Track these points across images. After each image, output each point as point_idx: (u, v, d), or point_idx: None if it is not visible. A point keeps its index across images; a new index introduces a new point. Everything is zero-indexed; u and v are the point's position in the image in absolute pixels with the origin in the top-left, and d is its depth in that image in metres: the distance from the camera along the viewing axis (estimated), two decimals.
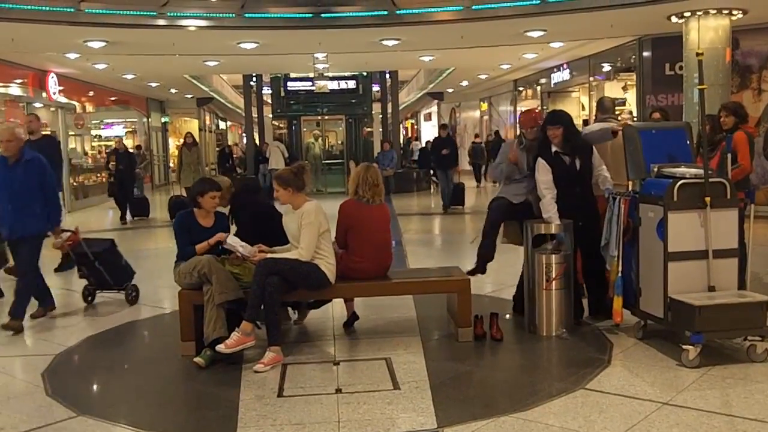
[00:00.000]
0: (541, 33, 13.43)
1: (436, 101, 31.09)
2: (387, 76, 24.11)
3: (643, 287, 5.37)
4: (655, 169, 5.31)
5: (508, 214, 6.14)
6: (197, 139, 16.81)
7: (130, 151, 17.08)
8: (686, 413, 4.12)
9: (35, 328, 6.52)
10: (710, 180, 5.10)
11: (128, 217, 15.13)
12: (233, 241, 5.38)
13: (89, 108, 21.07)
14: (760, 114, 12.72)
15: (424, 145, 26.11)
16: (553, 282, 5.65)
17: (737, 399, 4.35)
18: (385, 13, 12.27)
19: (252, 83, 24.24)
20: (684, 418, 4.05)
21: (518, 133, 6.30)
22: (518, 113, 6.21)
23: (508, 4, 11.81)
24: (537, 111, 6.14)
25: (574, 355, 5.33)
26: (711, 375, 4.72)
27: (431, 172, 22.59)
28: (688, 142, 5.64)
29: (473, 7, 12.02)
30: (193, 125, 30.46)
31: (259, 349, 5.25)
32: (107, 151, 18.91)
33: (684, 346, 4.87)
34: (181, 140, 14.97)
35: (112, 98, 23.04)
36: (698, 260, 5.07)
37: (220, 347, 5.07)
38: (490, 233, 6.15)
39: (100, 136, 22.27)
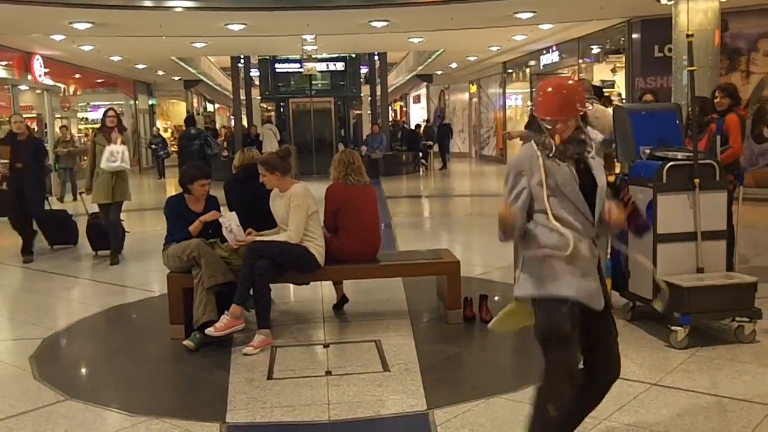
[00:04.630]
0: (530, 15, 13.37)
1: (425, 83, 31.00)
2: (376, 58, 24.00)
3: (632, 269, 5.38)
4: (647, 151, 5.29)
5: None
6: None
7: (36, 137, 10.90)
8: (675, 394, 4.15)
9: (23, 311, 6.48)
10: (699, 162, 5.10)
11: (39, 244, 9.31)
12: (230, 218, 5.35)
13: (76, 90, 20.87)
14: (748, 96, 12.74)
15: (414, 127, 26.10)
16: None
17: (725, 379, 4.38)
18: None
19: (240, 65, 24.08)
20: (672, 399, 4.07)
21: (533, 126, 3.33)
22: (538, 89, 3.08)
23: None
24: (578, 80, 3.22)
25: None
26: (699, 356, 4.74)
27: (420, 154, 22.69)
28: (678, 123, 5.63)
29: None
30: (180, 107, 30.30)
31: (249, 332, 5.25)
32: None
33: (672, 328, 4.89)
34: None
35: (99, 80, 22.83)
36: (687, 242, 5.08)
37: (210, 330, 5.07)
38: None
39: (86, 118, 22.06)
